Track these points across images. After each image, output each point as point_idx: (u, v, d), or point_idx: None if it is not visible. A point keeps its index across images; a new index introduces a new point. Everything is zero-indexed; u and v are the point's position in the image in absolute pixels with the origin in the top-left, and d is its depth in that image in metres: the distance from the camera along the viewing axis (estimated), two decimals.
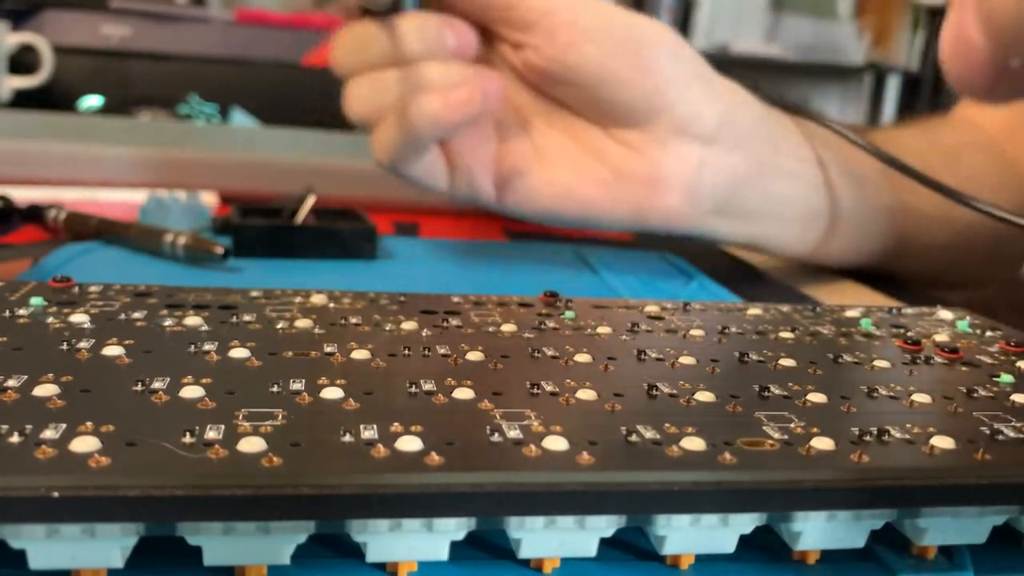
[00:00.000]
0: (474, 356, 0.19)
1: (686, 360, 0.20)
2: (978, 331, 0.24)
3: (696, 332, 0.22)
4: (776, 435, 0.16)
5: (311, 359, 0.18)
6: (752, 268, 0.41)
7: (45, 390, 0.15)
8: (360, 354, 0.19)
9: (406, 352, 0.19)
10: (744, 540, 0.15)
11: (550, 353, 0.20)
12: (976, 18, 0.17)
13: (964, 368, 0.21)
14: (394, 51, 0.31)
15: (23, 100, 0.70)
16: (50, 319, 0.20)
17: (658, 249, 0.41)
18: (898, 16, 2.43)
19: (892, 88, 2.51)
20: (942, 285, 0.40)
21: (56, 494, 0.12)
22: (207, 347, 0.18)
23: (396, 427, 0.15)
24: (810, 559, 0.16)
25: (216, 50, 0.79)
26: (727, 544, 0.15)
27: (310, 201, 0.37)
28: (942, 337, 0.23)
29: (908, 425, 0.17)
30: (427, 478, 0.13)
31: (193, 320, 0.20)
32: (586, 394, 0.17)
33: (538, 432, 0.15)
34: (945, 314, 0.26)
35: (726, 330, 0.23)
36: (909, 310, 0.27)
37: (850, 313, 0.26)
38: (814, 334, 0.23)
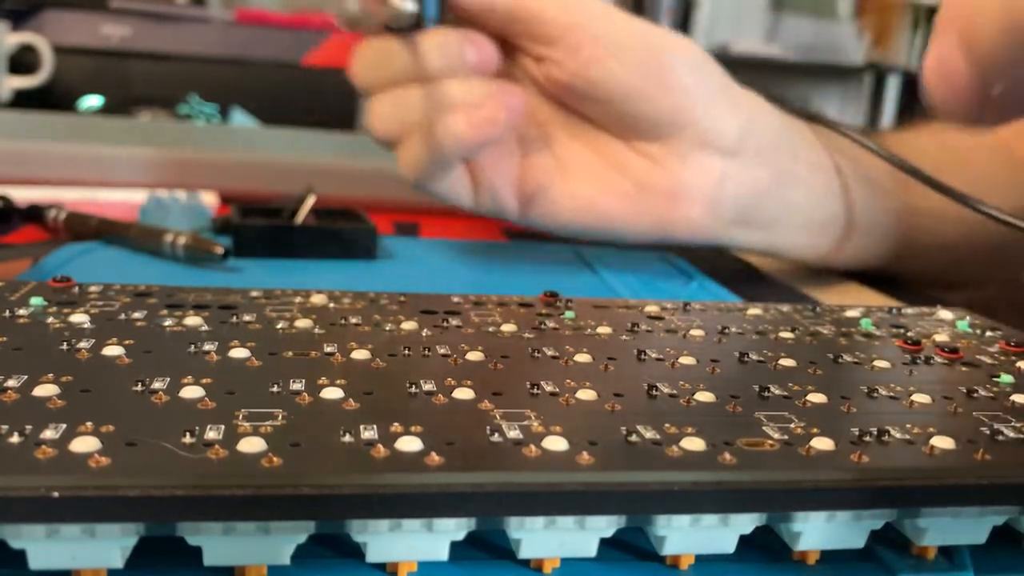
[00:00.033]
0: (474, 356, 0.19)
1: (686, 360, 0.20)
2: (978, 331, 0.24)
3: (696, 332, 0.22)
4: (776, 435, 0.16)
5: (311, 359, 0.18)
6: (752, 268, 0.41)
7: (45, 390, 0.15)
8: (360, 354, 0.19)
9: (406, 352, 0.19)
10: (744, 540, 0.15)
11: (550, 353, 0.20)
12: (959, 45, 0.17)
13: (964, 368, 0.21)
14: (416, 67, 0.31)
15: (23, 100, 0.70)
16: (50, 319, 0.20)
17: (658, 249, 0.41)
18: (898, 16, 2.43)
19: (892, 88, 2.51)
20: (942, 285, 0.40)
21: (56, 494, 0.12)
22: (207, 347, 0.18)
23: (396, 427, 0.15)
24: (810, 559, 0.16)
25: (216, 50, 0.79)
26: (727, 544, 0.15)
27: (310, 201, 0.37)
28: (942, 337, 0.23)
29: (908, 425, 0.17)
30: (427, 478, 0.13)
31: (193, 320, 0.20)
32: (586, 394, 0.17)
33: (538, 432, 0.15)
34: (945, 314, 0.26)
35: (726, 330, 0.23)
36: (909, 310, 0.27)
37: (850, 313, 0.26)
38: (814, 334, 0.23)
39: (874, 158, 0.35)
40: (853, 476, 0.15)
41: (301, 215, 0.37)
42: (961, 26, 0.17)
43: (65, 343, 0.18)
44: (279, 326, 0.20)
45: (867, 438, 0.16)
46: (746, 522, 0.15)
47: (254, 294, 0.23)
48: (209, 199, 0.44)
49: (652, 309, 0.24)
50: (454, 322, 0.22)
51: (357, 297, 0.23)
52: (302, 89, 0.79)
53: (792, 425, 0.16)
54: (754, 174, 0.34)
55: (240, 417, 0.15)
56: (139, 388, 0.16)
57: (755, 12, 2.33)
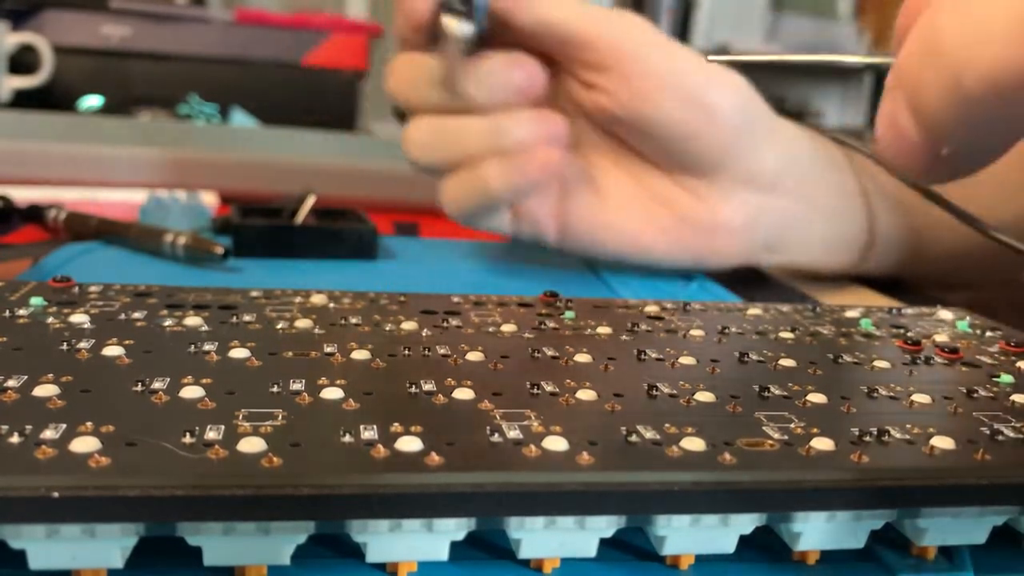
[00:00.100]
0: (474, 356, 0.19)
1: (686, 360, 0.20)
2: (978, 331, 0.24)
3: (696, 332, 0.22)
4: (776, 435, 0.16)
5: (311, 359, 0.18)
6: (752, 268, 0.41)
7: (45, 390, 0.15)
8: (360, 354, 0.19)
9: (406, 352, 0.19)
10: (744, 540, 0.15)
11: (550, 353, 0.20)
12: (907, 107, 0.17)
13: (964, 368, 0.21)
14: (461, 92, 0.30)
15: (23, 100, 0.70)
16: (50, 319, 0.20)
17: None
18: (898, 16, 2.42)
19: None
20: (943, 286, 0.40)
21: (56, 494, 0.12)
22: (207, 347, 0.18)
23: (396, 427, 0.15)
24: (810, 559, 0.16)
25: (216, 50, 0.79)
26: (727, 544, 0.15)
27: (310, 201, 0.37)
28: (942, 337, 0.23)
29: (908, 425, 0.17)
30: (427, 478, 0.13)
31: (193, 320, 0.20)
32: (586, 394, 0.17)
33: (538, 432, 0.15)
34: (945, 314, 0.26)
35: (726, 330, 0.23)
36: (909, 310, 0.27)
37: (850, 313, 0.26)
38: (814, 334, 0.23)
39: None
40: (853, 476, 0.15)
41: (301, 215, 0.37)
42: (908, 91, 0.17)
43: (65, 343, 0.18)
44: (279, 326, 0.20)
45: (867, 438, 0.16)
46: (746, 522, 0.15)
47: (254, 294, 0.23)
48: (209, 199, 0.44)
49: (652, 309, 0.24)
50: (454, 322, 0.22)
51: (357, 297, 0.23)
52: (302, 89, 0.79)
53: (792, 425, 0.16)
54: (785, 205, 0.35)
55: (240, 417, 0.15)
56: (139, 388, 0.16)
57: (755, 12, 2.32)
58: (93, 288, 0.23)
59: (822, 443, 0.15)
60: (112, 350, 0.18)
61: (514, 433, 0.15)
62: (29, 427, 0.14)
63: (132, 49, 0.77)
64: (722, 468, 0.14)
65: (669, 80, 0.31)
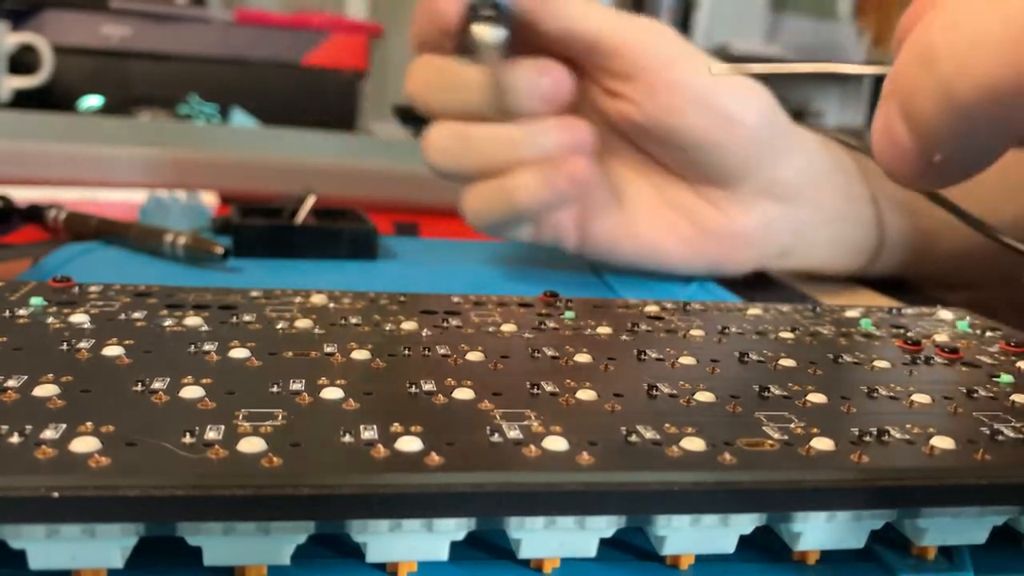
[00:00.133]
0: (474, 356, 0.19)
1: (686, 360, 0.20)
2: (978, 331, 0.24)
3: (696, 332, 0.22)
4: (776, 435, 0.16)
5: (311, 359, 0.18)
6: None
7: (45, 390, 0.15)
8: (360, 354, 0.19)
9: (406, 352, 0.19)
10: (744, 540, 0.15)
11: (550, 353, 0.20)
12: (900, 115, 0.18)
13: (964, 368, 0.21)
14: (487, 98, 0.30)
15: (23, 100, 0.70)
16: (50, 319, 0.20)
17: None
18: (898, 16, 2.41)
19: None
20: (943, 285, 0.40)
21: (56, 494, 0.12)
22: (207, 347, 0.18)
23: (396, 427, 0.15)
24: (810, 559, 0.16)
25: (216, 50, 0.79)
26: (727, 544, 0.15)
27: (310, 201, 0.37)
28: (942, 337, 0.23)
29: (908, 425, 0.17)
30: (427, 478, 0.13)
31: (193, 320, 0.20)
32: (586, 394, 0.17)
33: (538, 432, 0.15)
34: (945, 314, 0.26)
35: (726, 330, 0.23)
36: (909, 310, 0.27)
37: (850, 313, 0.26)
38: (814, 334, 0.23)
39: None
40: (853, 476, 0.15)
41: (301, 215, 0.37)
42: (902, 99, 0.17)
43: (65, 343, 0.18)
44: (279, 326, 0.20)
45: (867, 438, 0.16)
46: (746, 522, 0.15)
47: (254, 294, 0.23)
48: (209, 199, 0.44)
49: (652, 309, 0.24)
50: (454, 322, 0.22)
51: (357, 297, 0.23)
52: (302, 89, 0.79)
53: (792, 425, 0.16)
54: (800, 214, 0.35)
55: (240, 417, 0.15)
56: (139, 388, 0.16)
57: (755, 12, 2.32)
58: (93, 288, 0.23)
59: (822, 443, 0.15)
60: (112, 350, 0.18)
61: (514, 433, 0.15)
62: (29, 427, 0.14)
63: (132, 49, 0.77)
64: (722, 468, 0.14)
65: (695, 91, 0.31)
